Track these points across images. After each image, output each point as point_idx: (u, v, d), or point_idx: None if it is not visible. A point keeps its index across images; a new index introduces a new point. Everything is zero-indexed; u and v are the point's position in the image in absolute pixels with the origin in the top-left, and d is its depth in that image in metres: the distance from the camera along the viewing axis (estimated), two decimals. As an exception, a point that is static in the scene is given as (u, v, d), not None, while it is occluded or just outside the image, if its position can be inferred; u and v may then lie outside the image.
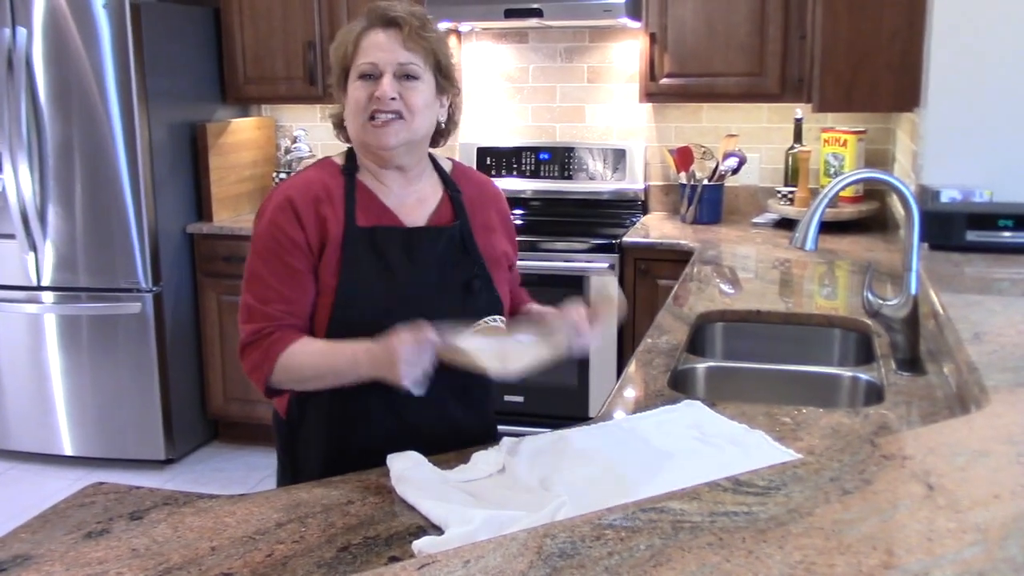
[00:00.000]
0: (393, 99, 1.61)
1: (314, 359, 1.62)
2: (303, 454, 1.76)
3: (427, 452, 1.53)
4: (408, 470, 1.45)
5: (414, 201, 1.73)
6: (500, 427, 1.89)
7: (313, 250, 1.65)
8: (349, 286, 1.63)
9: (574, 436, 1.62)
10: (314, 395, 1.70)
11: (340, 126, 1.76)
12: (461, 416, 1.74)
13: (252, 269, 1.67)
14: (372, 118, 1.63)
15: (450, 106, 1.77)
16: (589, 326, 1.63)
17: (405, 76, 1.63)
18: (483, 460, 1.51)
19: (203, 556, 1.25)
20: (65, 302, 4.06)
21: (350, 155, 1.75)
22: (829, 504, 1.06)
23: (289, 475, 1.80)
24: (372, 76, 1.63)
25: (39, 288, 4.06)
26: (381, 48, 1.62)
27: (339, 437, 1.70)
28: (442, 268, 1.68)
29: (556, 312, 1.68)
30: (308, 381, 1.64)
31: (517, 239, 1.91)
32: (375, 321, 1.60)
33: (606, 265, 3.65)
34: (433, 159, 1.81)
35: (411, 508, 1.36)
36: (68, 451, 4.16)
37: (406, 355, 1.48)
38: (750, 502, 1.07)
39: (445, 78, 1.70)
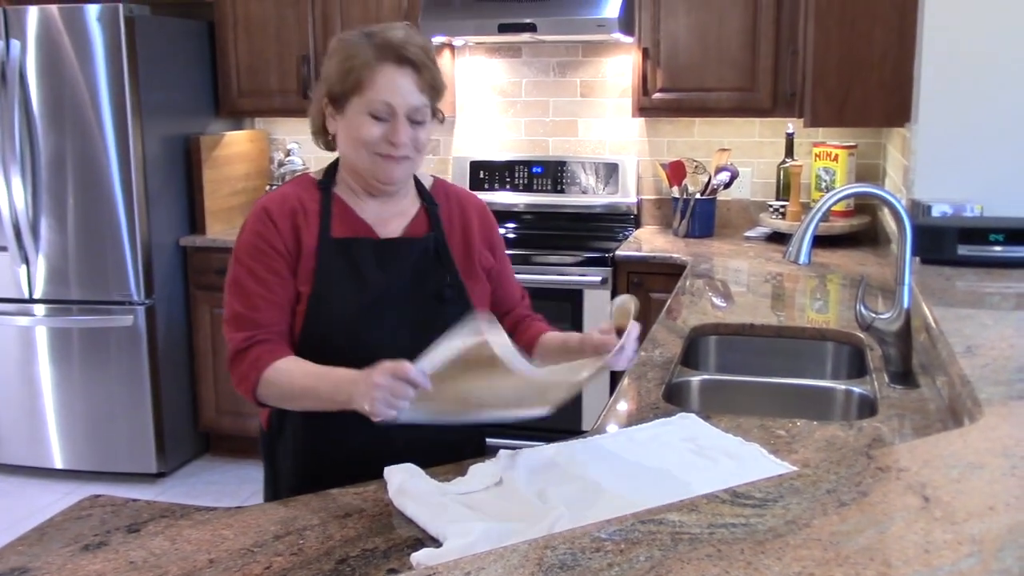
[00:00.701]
0: (405, 144, 1.64)
1: (298, 381, 1.62)
2: (282, 465, 1.77)
3: (396, 463, 1.54)
4: (406, 483, 1.45)
5: (390, 215, 1.75)
6: (493, 440, 1.90)
7: (291, 255, 1.67)
8: (322, 294, 1.65)
9: (571, 449, 1.63)
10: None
11: (321, 133, 1.75)
12: (439, 428, 1.73)
13: (235, 278, 1.69)
14: (379, 153, 1.65)
15: None
16: (616, 344, 1.61)
17: (415, 119, 1.65)
18: (480, 472, 1.52)
19: (201, 569, 1.25)
20: (57, 315, 4.05)
21: (330, 170, 1.76)
22: (826, 516, 1.07)
23: (271, 486, 1.82)
24: (384, 117, 1.63)
25: (31, 301, 4.05)
26: (398, 91, 1.62)
27: (314, 449, 1.72)
28: (415, 277, 1.70)
29: (579, 337, 1.71)
30: (289, 400, 1.65)
31: (509, 252, 1.93)
32: (347, 329, 1.64)
33: (599, 279, 3.66)
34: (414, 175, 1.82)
35: (409, 521, 1.37)
36: (59, 464, 4.14)
37: (382, 388, 1.46)
38: (748, 514, 1.08)
39: (437, 108, 1.72)
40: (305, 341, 1.67)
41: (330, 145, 1.75)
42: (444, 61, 4.26)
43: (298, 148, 4.50)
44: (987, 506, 1.08)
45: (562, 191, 4.25)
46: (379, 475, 1.51)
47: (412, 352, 1.62)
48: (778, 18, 3.69)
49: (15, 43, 3.85)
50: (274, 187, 4.41)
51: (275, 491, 1.79)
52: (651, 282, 3.64)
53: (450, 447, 1.69)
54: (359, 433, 1.67)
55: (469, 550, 1.21)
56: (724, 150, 4.01)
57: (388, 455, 1.56)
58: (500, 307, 1.87)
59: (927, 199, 2.74)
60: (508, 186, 4.28)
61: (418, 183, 1.81)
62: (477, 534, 1.27)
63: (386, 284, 1.67)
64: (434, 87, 1.67)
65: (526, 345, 1.81)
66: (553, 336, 1.82)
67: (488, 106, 4.39)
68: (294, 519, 1.39)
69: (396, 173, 1.67)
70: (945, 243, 2.47)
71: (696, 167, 4.06)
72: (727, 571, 0.95)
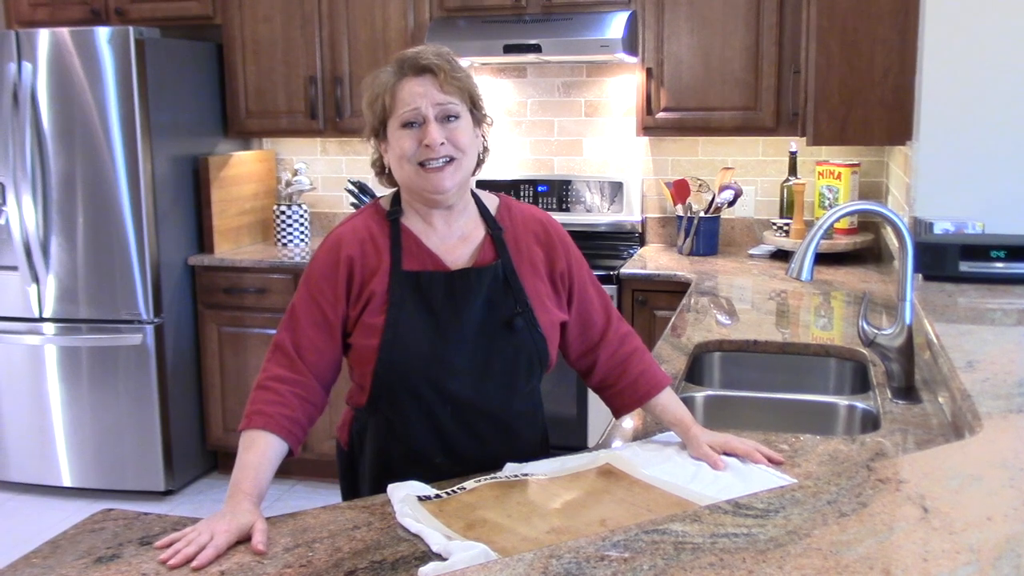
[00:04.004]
0: (442, 144, 1.64)
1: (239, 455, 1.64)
2: (361, 483, 1.81)
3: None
4: (408, 502, 1.47)
5: (457, 240, 1.74)
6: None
7: (351, 297, 1.68)
8: (395, 327, 1.65)
9: (577, 462, 1.65)
10: (370, 427, 1.76)
11: (381, 172, 1.77)
12: (506, 448, 1.75)
13: (294, 305, 1.69)
14: (422, 164, 1.65)
15: (483, 135, 1.80)
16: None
17: (446, 117, 1.66)
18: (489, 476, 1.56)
19: (212, 580, 1.27)
20: (66, 333, 4.08)
21: (395, 199, 1.77)
22: (827, 526, 1.09)
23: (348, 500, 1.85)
24: (415, 123, 1.65)
25: (40, 320, 4.09)
26: (420, 95, 1.64)
27: (391, 468, 1.73)
28: (485, 307, 1.69)
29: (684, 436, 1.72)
30: None
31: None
32: (421, 363, 1.65)
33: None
34: (477, 198, 1.81)
35: (415, 535, 1.39)
36: (67, 482, 4.16)
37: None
38: (750, 524, 1.10)
39: (478, 110, 1.74)
40: (380, 374, 1.66)
41: (392, 180, 1.76)
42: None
43: (305, 168, 4.54)
44: (985, 516, 1.10)
45: (567, 209, 4.28)
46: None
47: (484, 380, 1.68)
48: (780, 38, 3.73)
49: (27, 65, 3.90)
50: (282, 206, 4.45)
51: None
52: (656, 300, 3.66)
53: (523, 459, 1.70)
54: (435, 453, 1.72)
55: (474, 562, 1.23)
56: (728, 169, 4.04)
57: (462, 474, 1.63)
58: (587, 337, 1.82)
59: (929, 216, 2.76)
60: (513, 205, 4.30)
61: (481, 206, 1.80)
62: (480, 549, 1.29)
63: (458, 316, 1.67)
64: (460, 88, 1.68)
65: (624, 404, 1.81)
66: (661, 410, 1.78)
67: (494, 126, 4.41)
68: (303, 531, 1.41)
69: (443, 181, 1.66)
70: (947, 260, 2.49)
71: (700, 185, 4.09)
72: (729, 579, 0.97)
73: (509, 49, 3.84)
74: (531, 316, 1.71)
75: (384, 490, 1.65)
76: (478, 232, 1.76)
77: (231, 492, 1.52)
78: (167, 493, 4.15)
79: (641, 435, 1.83)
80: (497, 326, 1.69)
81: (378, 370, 1.66)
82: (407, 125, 1.65)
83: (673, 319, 2.80)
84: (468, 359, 1.67)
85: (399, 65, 1.67)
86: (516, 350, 1.70)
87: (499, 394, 1.72)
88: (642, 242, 4.29)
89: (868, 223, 3.89)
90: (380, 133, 1.70)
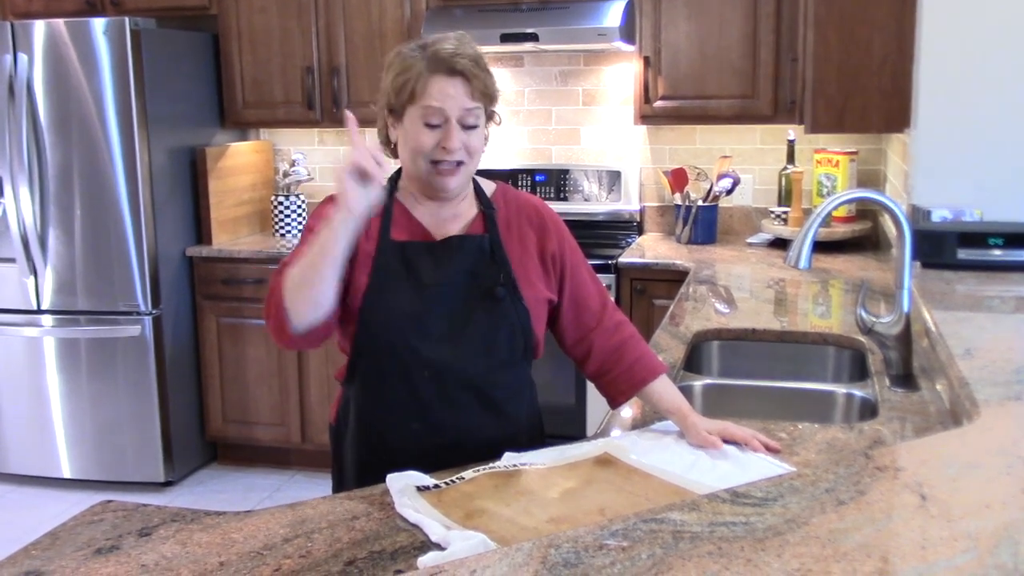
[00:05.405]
0: (458, 149, 1.68)
1: (303, 254, 1.60)
2: (347, 456, 1.83)
3: (450, 456, 1.63)
4: (407, 492, 1.47)
5: (449, 217, 1.79)
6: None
7: (351, 247, 1.69)
8: (378, 291, 1.70)
9: (575, 451, 1.65)
10: (354, 398, 1.79)
11: (385, 142, 1.80)
12: (487, 422, 1.77)
13: (297, 249, 1.69)
14: (435, 163, 1.69)
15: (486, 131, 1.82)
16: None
17: (467, 124, 1.69)
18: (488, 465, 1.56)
19: (211, 571, 1.27)
20: (64, 325, 4.08)
21: (393, 177, 1.81)
22: (825, 514, 1.09)
23: (337, 477, 1.88)
24: (437, 124, 1.67)
25: (39, 312, 4.08)
26: (449, 96, 1.66)
27: (373, 439, 1.77)
28: (469, 275, 1.73)
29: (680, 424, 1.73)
30: (304, 284, 1.58)
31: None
32: (402, 324, 1.69)
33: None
34: (475, 182, 1.86)
35: (414, 524, 1.39)
36: (67, 474, 4.16)
37: (348, 177, 1.51)
38: (748, 512, 1.10)
39: (493, 108, 1.77)
40: (361, 335, 1.71)
41: (395, 153, 1.80)
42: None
43: (303, 158, 4.53)
44: (983, 504, 1.10)
45: (565, 199, 4.28)
46: (437, 464, 1.58)
47: (461, 347, 1.71)
48: (778, 26, 3.72)
49: (23, 57, 3.89)
50: (279, 197, 4.45)
51: (340, 482, 1.85)
52: (654, 289, 3.66)
53: (508, 439, 1.73)
54: (411, 418, 1.74)
55: (473, 552, 1.23)
56: (726, 157, 4.03)
57: (444, 445, 1.68)
58: (582, 322, 1.85)
59: (927, 204, 2.76)
60: (511, 194, 4.30)
61: (478, 188, 1.85)
62: (479, 539, 1.30)
63: (440, 282, 1.72)
64: (485, 94, 1.72)
65: (620, 392, 1.83)
66: (658, 398, 1.78)
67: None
68: (303, 522, 1.41)
69: (451, 183, 1.71)
70: (945, 247, 2.49)
71: (698, 174, 4.08)
72: (727, 568, 0.97)
73: (506, 38, 3.82)
74: (514, 288, 1.75)
75: (366, 459, 1.71)
76: (471, 211, 1.81)
77: (329, 216, 1.56)
78: (167, 484, 4.15)
79: (639, 424, 1.83)
80: (479, 295, 1.73)
81: (359, 331, 1.71)
82: (430, 124, 1.67)
83: (672, 308, 2.80)
84: (446, 324, 1.71)
85: (434, 59, 1.67)
86: (497, 320, 1.73)
87: (477, 363, 1.73)
88: (640, 231, 4.29)
89: (866, 211, 3.88)
90: (397, 111, 1.72)
